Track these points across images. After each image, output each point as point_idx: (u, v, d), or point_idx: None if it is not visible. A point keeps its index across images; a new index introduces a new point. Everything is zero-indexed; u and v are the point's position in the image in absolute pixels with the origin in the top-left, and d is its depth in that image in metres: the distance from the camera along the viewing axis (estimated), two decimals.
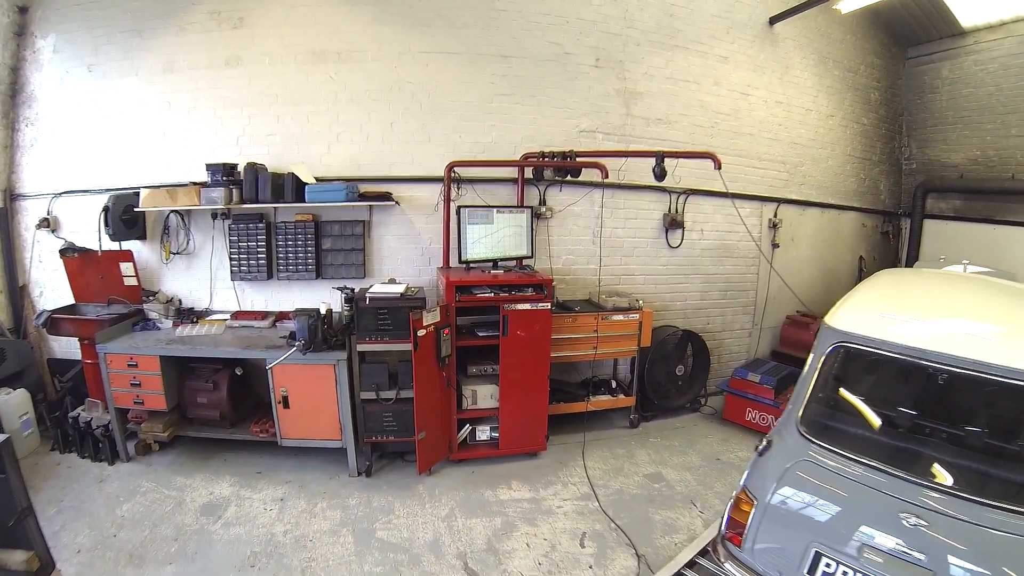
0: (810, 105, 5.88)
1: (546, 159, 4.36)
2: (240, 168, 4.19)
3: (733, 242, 5.54)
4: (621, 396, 4.75)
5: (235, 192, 4.15)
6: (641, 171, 4.81)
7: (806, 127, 5.88)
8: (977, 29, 5.99)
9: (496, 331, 3.90)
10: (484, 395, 4.02)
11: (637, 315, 4.57)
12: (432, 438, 3.83)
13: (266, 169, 4.15)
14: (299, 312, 3.53)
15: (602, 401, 4.67)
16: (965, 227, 6.22)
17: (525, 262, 4.58)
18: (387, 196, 4.30)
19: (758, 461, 2.50)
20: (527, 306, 3.84)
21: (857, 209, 6.46)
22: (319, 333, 3.53)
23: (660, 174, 4.07)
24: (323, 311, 3.73)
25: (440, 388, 3.83)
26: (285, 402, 3.71)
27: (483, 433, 4.14)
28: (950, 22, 6.05)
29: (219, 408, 3.98)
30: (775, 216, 5.71)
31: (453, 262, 4.43)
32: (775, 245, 5.74)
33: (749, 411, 4.94)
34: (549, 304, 3.90)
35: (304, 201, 4.10)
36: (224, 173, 4.15)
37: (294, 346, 3.58)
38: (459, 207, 4.11)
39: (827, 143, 6.09)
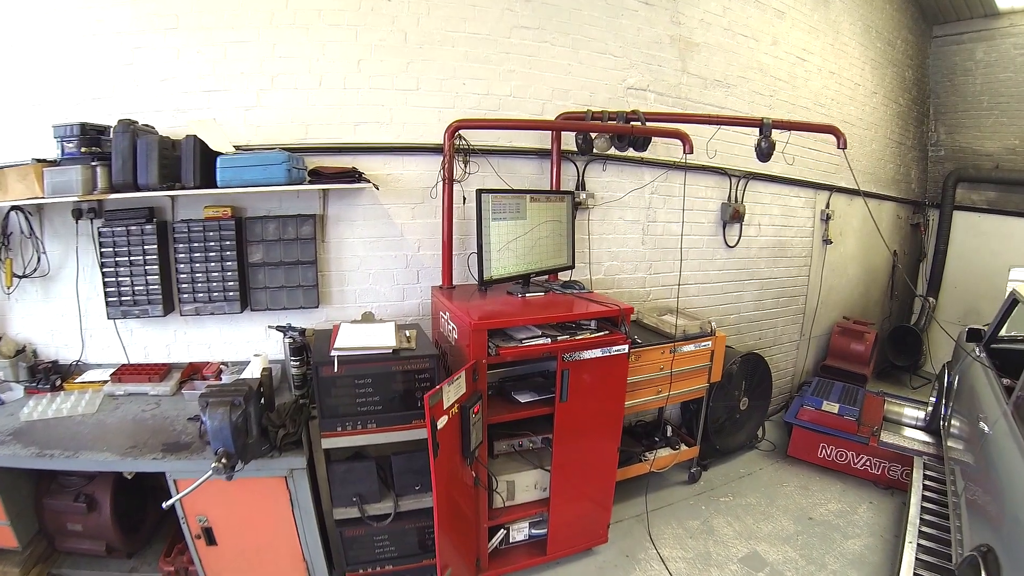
0: (858, 79, 4.61)
1: (598, 120, 2.71)
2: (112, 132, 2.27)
3: (787, 238, 4.20)
4: (683, 447, 3.29)
5: (101, 172, 2.24)
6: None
7: (855, 104, 4.61)
8: (1014, 11, 4.98)
9: (543, 392, 2.31)
10: (524, 485, 2.41)
11: (709, 342, 3.10)
12: (458, 567, 2.18)
13: (153, 131, 2.27)
14: (213, 398, 1.65)
15: (664, 458, 3.19)
16: (1000, 221, 5.22)
17: (562, 275, 2.97)
18: (353, 174, 2.51)
19: None
20: (597, 352, 2.25)
21: (894, 199, 5.31)
22: (253, 429, 1.74)
23: (767, 150, 2.62)
24: (258, 375, 1.95)
25: (466, 494, 2.17)
26: (208, 536, 1.94)
27: (520, 532, 2.56)
28: (986, 1, 4.94)
29: (103, 536, 2.15)
30: (827, 207, 4.41)
31: (459, 277, 2.77)
32: (827, 241, 4.45)
33: (823, 447, 3.66)
34: (627, 346, 2.33)
35: (215, 185, 2.24)
36: (84, 141, 2.23)
37: (210, 456, 1.75)
38: (479, 192, 2.36)
39: (871, 123, 4.86)
